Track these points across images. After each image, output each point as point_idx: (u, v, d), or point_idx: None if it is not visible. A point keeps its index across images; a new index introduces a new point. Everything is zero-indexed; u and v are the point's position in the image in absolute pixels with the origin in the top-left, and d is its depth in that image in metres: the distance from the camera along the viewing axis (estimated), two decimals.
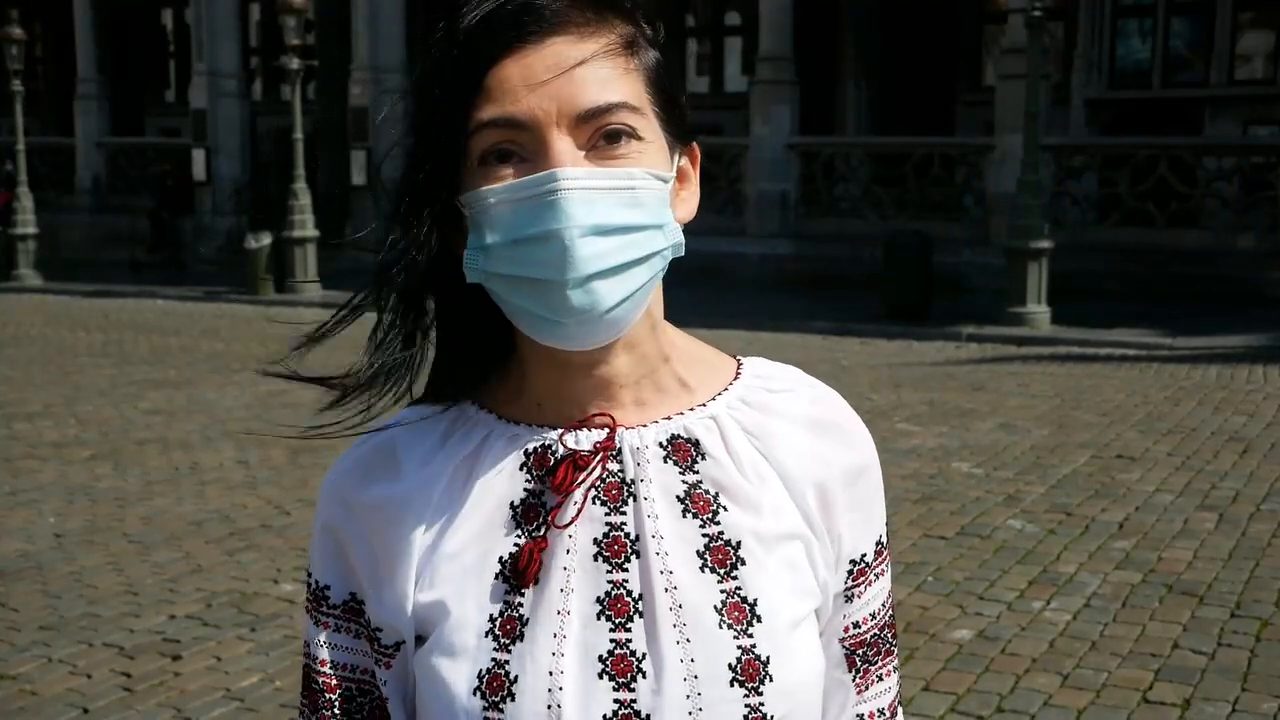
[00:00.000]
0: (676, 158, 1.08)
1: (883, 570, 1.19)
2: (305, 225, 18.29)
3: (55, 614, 5.50)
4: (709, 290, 15.86)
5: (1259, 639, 5.13)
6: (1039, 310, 14.03)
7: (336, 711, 1.15)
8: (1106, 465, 8.03)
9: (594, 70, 1.01)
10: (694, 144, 1.12)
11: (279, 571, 6.05)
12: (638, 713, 1.03)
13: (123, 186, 24.23)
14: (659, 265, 1.04)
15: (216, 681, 4.77)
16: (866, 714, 1.19)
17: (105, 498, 7.47)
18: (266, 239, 18.21)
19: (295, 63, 17.82)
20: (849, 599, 1.16)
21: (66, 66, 26.16)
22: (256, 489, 7.62)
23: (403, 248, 1.05)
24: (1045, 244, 14.16)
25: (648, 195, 1.02)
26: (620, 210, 1.01)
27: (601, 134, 1.01)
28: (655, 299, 1.09)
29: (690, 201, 1.11)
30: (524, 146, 1.01)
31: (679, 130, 1.08)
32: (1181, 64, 19.37)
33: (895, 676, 1.22)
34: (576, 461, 1.07)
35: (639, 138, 1.03)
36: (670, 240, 1.05)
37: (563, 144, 1.00)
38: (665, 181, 1.05)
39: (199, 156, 22.59)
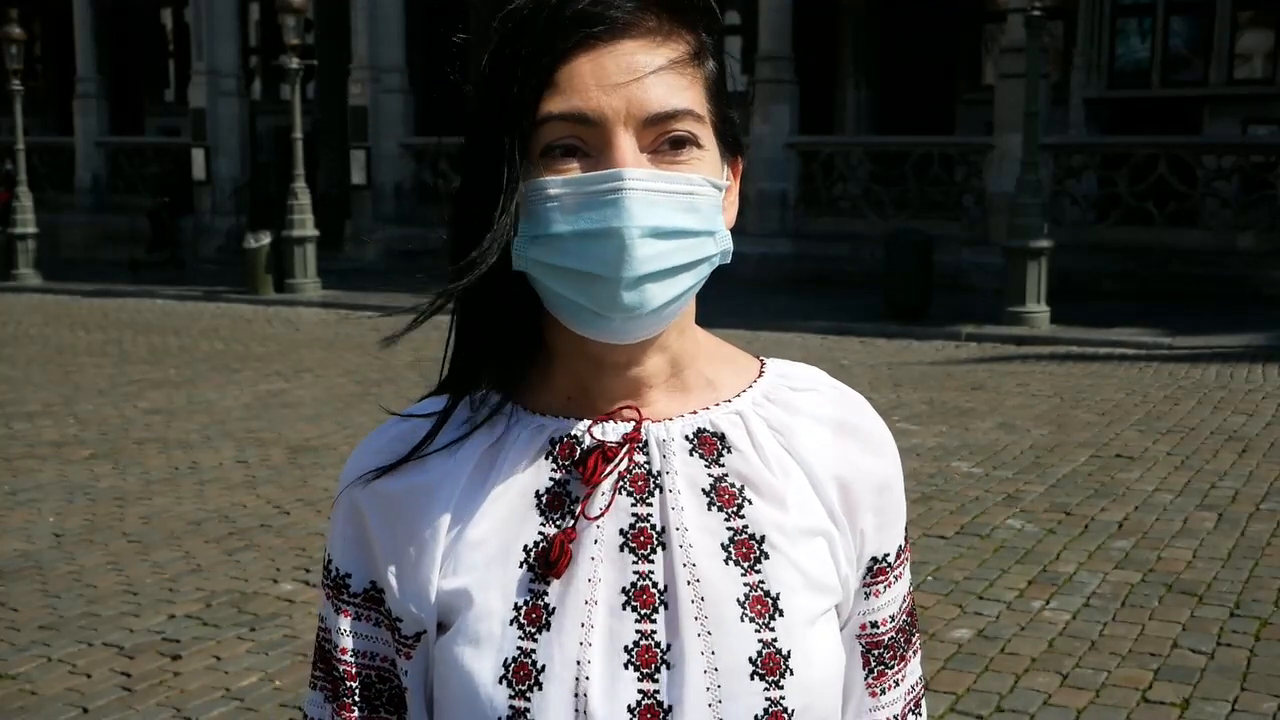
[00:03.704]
0: (726, 166, 1.10)
1: (902, 573, 1.19)
2: (305, 225, 18.30)
3: (55, 614, 5.50)
4: (709, 290, 15.62)
5: (1258, 639, 5.13)
6: (1038, 310, 14.03)
7: (357, 699, 1.16)
8: (1106, 465, 8.03)
9: (664, 76, 1.03)
10: (739, 155, 1.14)
11: (279, 571, 6.05)
12: (660, 703, 1.03)
13: (122, 186, 24.24)
14: (705, 271, 1.07)
15: (216, 681, 4.77)
16: None
17: (105, 497, 7.47)
18: (266, 239, 18.21)
19: (295, 62, 17.82)
20: (867, 596, 1.16)
21: (66, 66, 26.15)
22: (256, 489, 7.62)
23: (476, 236, 1.05)
24: (1045, 244, 14.16)
25: (704, 202, 1.05)
26: (679, 215, 1.02)
27: (666, 139, 1.03)
28: (689, 307, 1.11)
29: (731, 211, 1.13)
30: (588, 143, 1.02)
31: (730, 140, 1.11)
32: (1181, 63, 19.38)
33: (910, 683, 1.21)
34: (605, 453, 1.08)
35: (699, 145, 1.05)
36: (720, 247, 1.07)
37: (628, 143, 1.01)
38: (720, 190, 1.07)
39: (198, 156, 22.60)
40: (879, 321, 14.43)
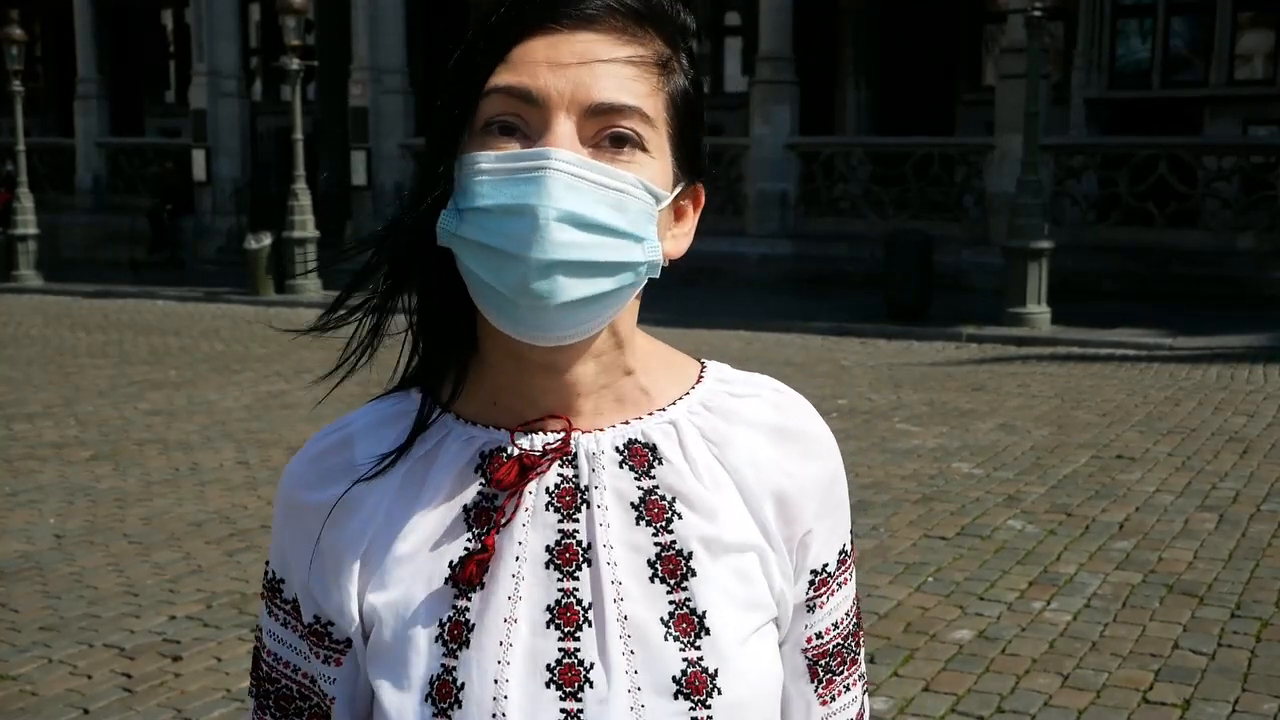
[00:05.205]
0: (679, 189, 1.07)
1: (845, 580, 1.17)
2: (305, 225, 18.31)
3: (55, 614, 5.50)
4: (709, 290, 15.86)
5: (1259, 639, 5.13)
6: (1039, 310, 14.04)
7: (270, 704, 1.15)
8: (1106, 465, 8.03)
9: (619, 69, 1.01)
10: (700, 185, 1.10)
11: None
12: None
13: (123, 186, 24.24)
14: (629, 280, 1.02)
15: (216, 682, 4.77)
16: None
17: (105, 498, 7.47)
18: (266, 239, 18.22)
19: (295, 63, 17.83)
20: (810, 609, 1.14)
21: (66, 66, 26.16)
22: (256, 489, 7.62)
23: (409, 204, 1.05)
24: (1045, 244, 14.17)
25: (634, 204, 1.01)
26: (603, 209, 0.99)
27: (608, 134, 1.01)
28: (625, 318, 1.08)
29: (682, 241, 1.09)
30: (529, 124, 1.00)
31: (689, 164, 1.07)
32: (1181, 64, 19.38)
33: (860, 686, 1.20)
34: (523, 460, 1.06)
35: (644, 149, 1.02)
36: (647, 257, 1.02)
37: (565, 128, 0.99)
38: (657, 199, 1.03)
39: (199, 156, 22.60)
40: (879, 322, 14.43)
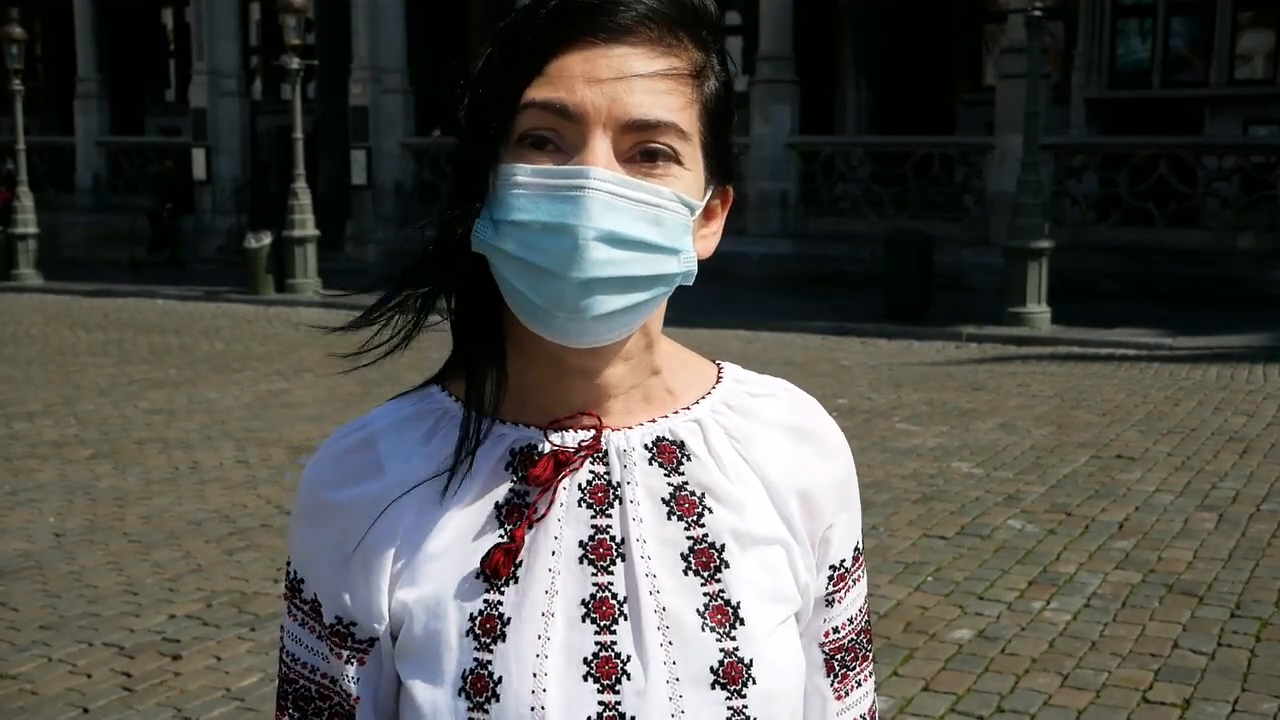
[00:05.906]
0: (710, 193, 1.08)
1: (859, 576, 1.21)
2: (305, 225, 18.31)
3: (55, 614, 5.50)
4: (709, 290, 15.82)
5: (1259, 639, 5.13)
6: (1039, 310, 14.04)
7: (289, 704, 1.16)
8: (1106, 465, 8.03)
9: (655, 84, 1.02)
10: (729, 186, 1.12)
11: (279, 571, 6.04)
12: (622, 715, 1.03)
13: (123, 186, 24.25)
14: (663, 290, 1.05)
15: (216, 681, 4.77)
16: None
17: (105, 497, 7.47)
18: (267, 238, 18.23)
19: (295, 62, 17.83)
20: (829, 604, 1.17)
21: (66, 66, 26.16)
22: (256, 488, 7.62)
23: (446, 219, 1.06)
24: (1045, 244, 14.17)
25: (670, 218, 1.02)
26: (640, 225, 1.01)
27: (642, 149, 1.02)
28: (655, 320, 1.10)
29: (710, 241, 1.11)
30: (564, 137, 1.01)
31: (719, 167, 1.09)
32: (1181, 64, 19.37)
33: (871, 682, 1.23)
34: (558, 457, 1.07)
35: (679, 162, 1.03)
36: (683, 268, 1.05)
37: (602, 145, 1.00)
38: (692, 210, 1.05)
39: (199, 156, 22.61)
40: (879, 321, 14.43)
